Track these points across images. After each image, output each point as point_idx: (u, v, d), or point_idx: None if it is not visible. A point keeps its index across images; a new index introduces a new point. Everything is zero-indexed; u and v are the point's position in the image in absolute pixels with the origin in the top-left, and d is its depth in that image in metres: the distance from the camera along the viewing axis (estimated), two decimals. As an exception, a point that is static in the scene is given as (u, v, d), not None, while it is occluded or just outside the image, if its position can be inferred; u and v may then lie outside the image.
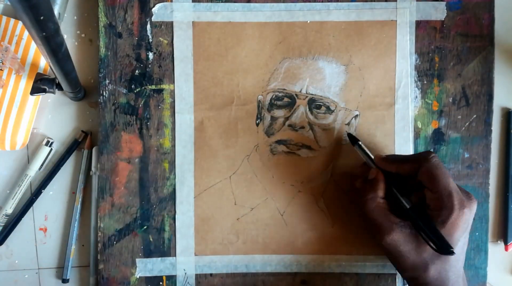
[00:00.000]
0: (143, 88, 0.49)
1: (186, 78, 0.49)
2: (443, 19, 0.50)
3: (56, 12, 0.48)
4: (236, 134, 0.49)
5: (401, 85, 0.49)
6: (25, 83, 0.48)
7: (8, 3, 0.49)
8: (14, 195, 0.49)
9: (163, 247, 0.49)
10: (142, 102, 0.49)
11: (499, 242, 0.51)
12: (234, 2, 0.49)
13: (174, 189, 0.49)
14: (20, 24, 0.48)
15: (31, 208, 0.50)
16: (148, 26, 0.49)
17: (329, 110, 0.49)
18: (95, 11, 0.49)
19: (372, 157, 0.46)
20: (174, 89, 0.49)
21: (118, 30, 0.49)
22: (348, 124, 0.49)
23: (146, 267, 0.49)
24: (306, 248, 0.49)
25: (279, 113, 0.49)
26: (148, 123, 0.49)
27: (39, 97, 0.49)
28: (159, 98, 0.49)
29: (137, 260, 0.49)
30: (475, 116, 0.50)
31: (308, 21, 0.49)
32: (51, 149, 0.50)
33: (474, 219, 0.44)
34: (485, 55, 0.50)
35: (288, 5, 0.49)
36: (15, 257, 0.51)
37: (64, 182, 0.51)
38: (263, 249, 0.50)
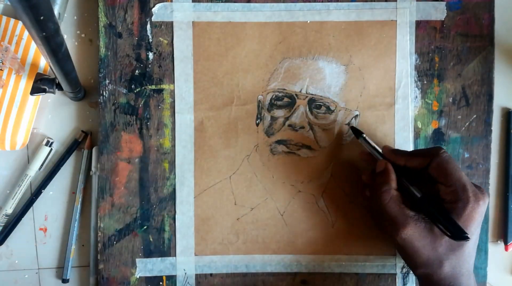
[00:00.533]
0: (143, 88, 0.49)
1: (186, 78, 0.49)
2: (443, 19, 0.50)
3: (56, 12, 0.48)
4: (236, 134, 0.49)
5: (401, 85, 0.49)
6: (25, 83, 0.48)
7: (8, 3, 0.49)
8: (14, 195, 0.49)
9: (163, 247, 0.49)
10: (142, 102, 0.49)
11: (499, 242, 0.51)
12: (234, 2, 0.49)
13: (174, 189, 0.49)
14: (20, 24, 0.48)
15: (31, 208, 0.50)
16: (148, 26, 0.49)
17: (329, 110, 0.49)
18: (95, 11, 0.49)
19: (378, 148, 0.45)
20: (174, 89, 0.49)
21: (118, 30, 0.49)
22: (348, 124, 0.49)
23: (146, 267, 0.49)
24: (306, 248, 0.49)
25: (279, 113, 0.49)
26: (148, 123, 0.49)
27: (39, 97, 0.49)
28: (159, 98, 0.49)
29: (137, 260, 0.49)
30: (475, 116, 0.50)
31: (308, 21, 0.49)
32: (51, 149, 0.50)
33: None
34: (485, 55, 0.50)
35: (288, 5, 0.49)
36: (15, 257, 0.51)
37: (64, 182, 0.51)
38: (263, 249, 0.50)
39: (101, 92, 0.49)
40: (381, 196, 0.43)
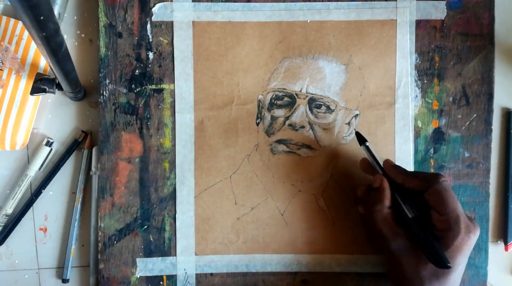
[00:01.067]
0: (143, 87, 0.49)
1: (186, 78, 0.49)
2: (443, 18, 0.50)
3: (56, 12, 0.48)
4: (236, 133, 0.49)
5: (401, 85, 0.49)
6: (25, 83, 0.48)
7: (8, 3, 0.49)
8: (14, 195, 0.49)
9: (163, 247, 0.49)
10: (142, 101, 0.49)
11: (499, 242, 0.51)
12: (234, 1, 0.49)
13: (175, 189, 0.49)
14: (20, 24, 0.48)
15: (31, 208, 0.50)
16: (148, 26, 0.49)
17: (329, 109, 0.49)
18: (95, 11, 0.49)
19: (379, 161, 0.45)
20: (174, 89, 0.49)
21: (118, 30, 0.49)
22: (348, 123, 0.49)
23: (146, 266, 0.49)
24: (307, 247, 0.49)
25: (279, 112, 0.49)
26: (148, 123, 0.49)
27: (39, 97, 0.49)
28: (159, 98, 0.49)
29: (138, 259, 0.49)
30: (475, 115, 0.50)
31: (308, 21, 0.49)
32: (51, 149, 0.50)
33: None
34: (485, 54, 0.50)
35: (288, 4, 0.49)
36: (15, 257, 0.51)
37: (64, 182, 0.51)
38: (263, 249, 0.49)
39: (101, 92, 0.49)
40: (374, 214, 0.43)
